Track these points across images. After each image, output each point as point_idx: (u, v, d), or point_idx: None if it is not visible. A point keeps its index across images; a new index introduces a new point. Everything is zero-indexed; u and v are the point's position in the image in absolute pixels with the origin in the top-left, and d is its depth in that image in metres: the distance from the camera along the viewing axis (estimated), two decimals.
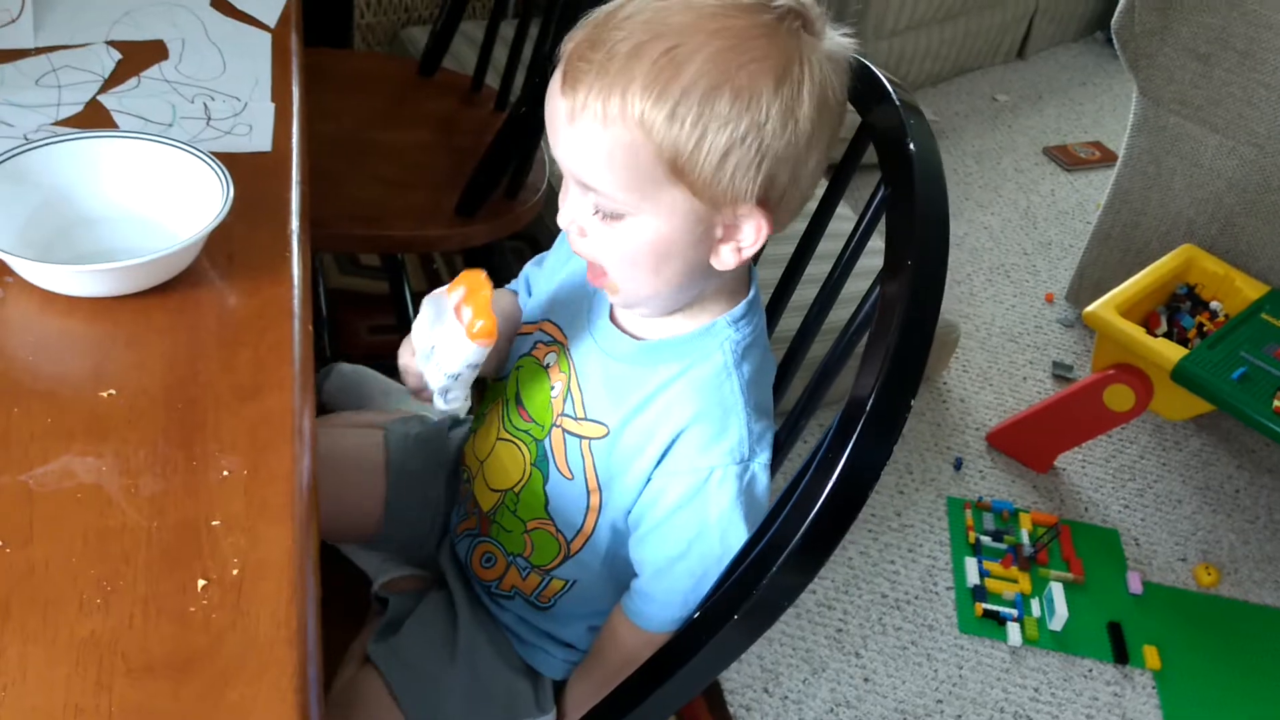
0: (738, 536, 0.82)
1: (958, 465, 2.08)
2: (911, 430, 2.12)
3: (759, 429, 0.84)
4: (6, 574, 0.65)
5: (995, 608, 1.82)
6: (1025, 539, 1.95)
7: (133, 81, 1.10)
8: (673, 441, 0.83)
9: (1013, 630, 1.79)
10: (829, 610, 1.78)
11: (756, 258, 0.96)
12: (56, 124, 1.02)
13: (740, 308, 0.85)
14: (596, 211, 0.77)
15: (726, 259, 0.80)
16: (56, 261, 0.83)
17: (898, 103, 0.81)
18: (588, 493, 0.89)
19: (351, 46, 2.57)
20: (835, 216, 0.94)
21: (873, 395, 0.68)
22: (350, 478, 1.05)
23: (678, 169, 0.74)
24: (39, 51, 1.11)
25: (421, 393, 0.92)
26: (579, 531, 0.91)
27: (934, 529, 1.95)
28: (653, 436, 0.84)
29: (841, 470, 0.68)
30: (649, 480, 0.85)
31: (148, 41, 1.16)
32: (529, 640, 0.99)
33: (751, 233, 0.78)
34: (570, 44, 0.75)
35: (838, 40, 0.78)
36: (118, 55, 1.13)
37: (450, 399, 0.88)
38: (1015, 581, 1.87)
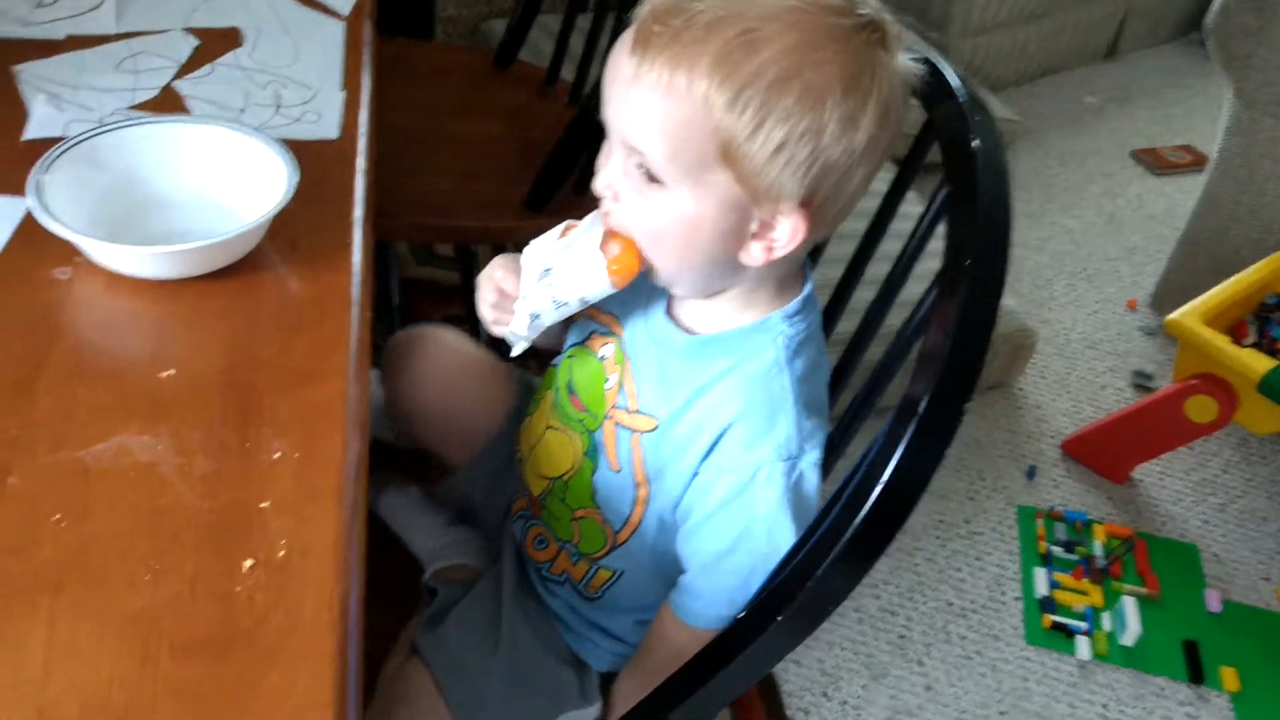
0: (785, 534, 0.81)
1: (1031, 473, 2.03)
2: (985, 436, 2.09)
3: (810, 426, 0.82)
4: (61, 548, 0.66)
5: (1064, 620, 1.77)
6: (1098, 551, 1.90)
7: (207, 68, 1.12)
8: (720, 436, 0.83)
9: (1082, 644, 1.75)
10: (892, 616, 1.75)
11: (816, 256, 0.95)
12: (132, 108, 1.04)
13: (795, 303, 0.84)
14: (640, 167, 0.76)
15: (756, 255, 0.79)
16: (124, 243, 0.84)
17: (963, 98, 0.79)
18: (635, 485, 0.89)
19: (433, 38, 2.59)
20: (897, 216, 0.92)
21: (926, 398, 0.66)
22: (483, 382, 1.07)
23: (729, 154, 0.73)
24: (119, 37, 1.14)
25: (493, 310, 0.90)
26: (626, 522, 0.91)
27: (1004, 537, 1.91)
28: (701, 430, 0.84)
29: (891, 473, 0.67)
30: (696, 474, 0.85)
31: (224, 29, 1.18)
32: (577, 629, 0.99)
33: (786, 233, 0.77)
34: (648, 6, 0.74)
35: (908, 63, 0.77)
36: (195, 42, 1.15)
37: (533, 327, 0.85)
38: (1086, 594, 1.82)
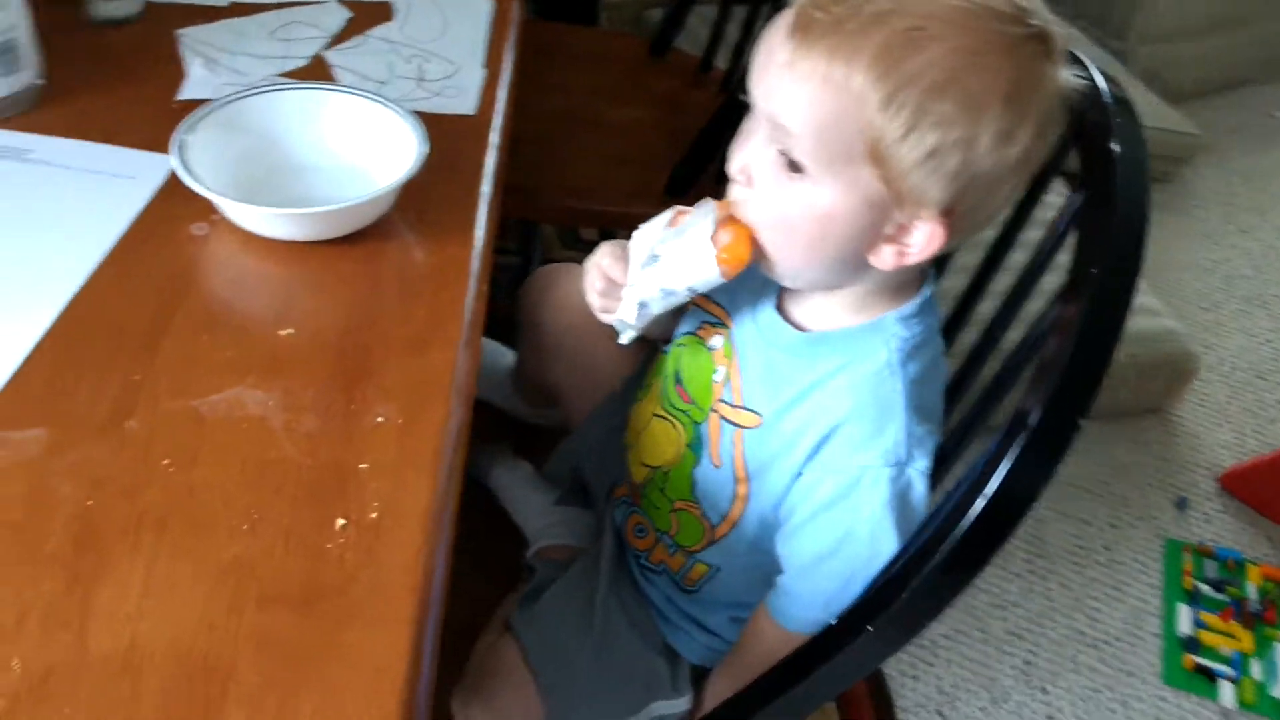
0: (888, 541, 0.78)
1: (1181, 505, 1.93)
2: (1134, 462, 1.99)
3: (920, 433, 0.79)
4: (169, 492, 0.68)
5: (1208, 663, 1.68)
6: (1252, 593, 1.79)
7: (357, 39, 1.14)
8: (826, 437, 0.80)
9: (1226, 690, 1.65)
10: (1019, 640, 1.69)
11: (943, 263, 0.92)
12: (281, 75, 1.07)
13: (912, 305, 0.81)
14: (782, 154, 0.73)
15: (886, 258, 0.75)
16: (259, 204, 0.86)
17: (1107, 99, 0.74)
18: (735, 481, 0.87)
19: (596, 24, 2.61)
20: (1029, 223, 0.88)
21: (1038, 412, 0.63)
22: (608, 340, 1.03)
23: (877, 152, 0.70)
24: (277, 6, 1.18)
25: (601, 297, 0.89)
26: (724, 518, 0.89)
27: (1146, 569, 1.82)
28: (807, 430, 0.81)
29: (997, 487, 0.63)
30: (800, 474, 0.82)
31: (376, 2, 1.21)
32: (673, 620, 0.98)
33: (922, 239, 0.74)
34: None
35: (1071, 78, 0.73)
36: (348, 14, 1.18)
37: (642, 315, 0.84)
38: (1235, 637, 1.72)
